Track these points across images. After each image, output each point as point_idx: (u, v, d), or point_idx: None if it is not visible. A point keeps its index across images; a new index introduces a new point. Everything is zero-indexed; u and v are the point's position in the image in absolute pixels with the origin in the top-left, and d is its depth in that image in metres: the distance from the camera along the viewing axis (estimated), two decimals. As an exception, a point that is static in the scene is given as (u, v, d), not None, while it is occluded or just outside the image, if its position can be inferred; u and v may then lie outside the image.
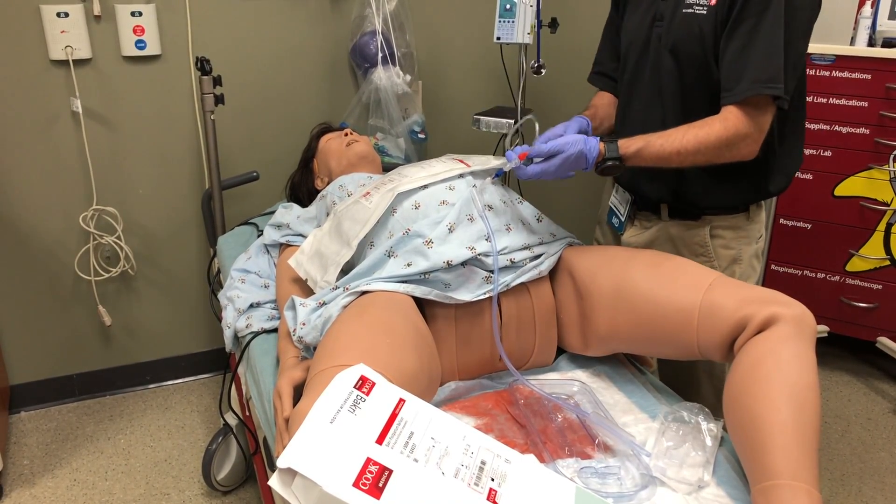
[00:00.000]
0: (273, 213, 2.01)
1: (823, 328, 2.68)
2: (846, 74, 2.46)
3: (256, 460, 1.85)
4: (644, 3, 1.59)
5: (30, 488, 2.13)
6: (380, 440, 0.94)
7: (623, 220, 1.74)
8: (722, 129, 1.40)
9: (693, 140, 1.41)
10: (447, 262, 1.40)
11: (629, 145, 1.45)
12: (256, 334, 1.67)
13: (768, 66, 1.37)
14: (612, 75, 1.78)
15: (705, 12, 1.45)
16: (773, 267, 2.72)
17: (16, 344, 2.43)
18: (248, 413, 1.86)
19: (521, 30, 2.29)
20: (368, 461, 0.90)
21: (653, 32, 1.56)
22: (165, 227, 2.50)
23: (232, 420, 2.02)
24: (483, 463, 0.99)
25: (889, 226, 2.49)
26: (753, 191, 1.60)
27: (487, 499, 0.94)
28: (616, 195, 1.77)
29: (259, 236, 1.99)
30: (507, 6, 2.29)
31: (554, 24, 2.37)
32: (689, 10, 1.47)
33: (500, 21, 2.32)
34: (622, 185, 1.75)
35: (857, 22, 2.49)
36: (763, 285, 1.42)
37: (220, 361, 2.67)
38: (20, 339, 2.43)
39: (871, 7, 2.49)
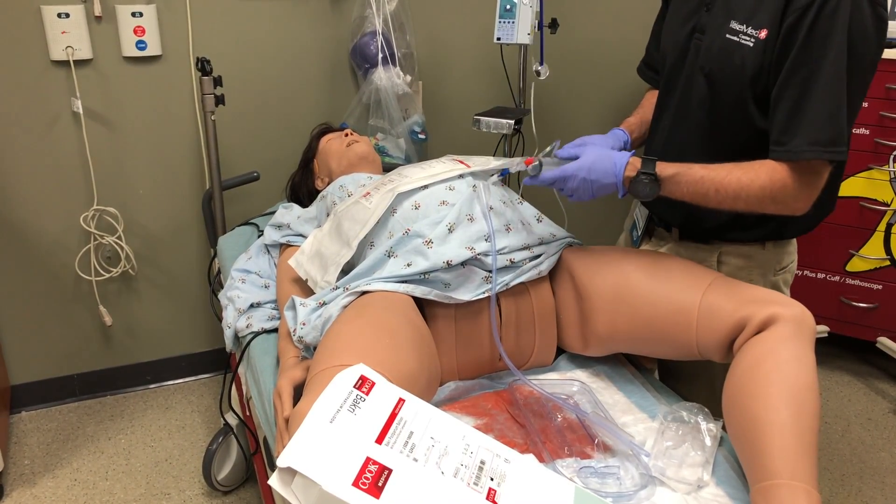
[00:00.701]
0: (273, 213, 2.01)
1: (824, 328, 2.68)
2: (846, 75, 2.46)
3: (257, 460, 1.85)
4: (687, 6, 1.47)
5: (30, 488, 2.14)
6: (379, 440, 0.94)
7: (640, 233, 1.73)
8: (767, 182, 1.28)
9: (735, 183, 1.29)
10: (447, 262, 1.40)
11: (667, 167, 1.34)
12: (257, 334, 1.67)
13: (829, 124, 1.23)
14: (657, 68, 1.66)
15: (751, 44, 1.31)
16: (773, 267, 2.72)
17: (17, 344, 2.43)
18: (248, 413, 1.86)
19: (521, 30, 2.30)
20: (368, 460, 0.91)
21: (691, 44, 1.44)
22: (166, 227, 2.50)
23: (232, 420, 2.03)
24: (482, 462, 0.99)
25: (889, 226, 2.49)
26: (763, 230, 1.50)
27: (487, 498, 0.94)
28: (639, 208, 1.74)
29: (259, 236, 1.99)
30: (508, 7, 2.29)
31: (554, 24, 2.38)
32: (734, 38, 1.33)
33: (500, 21, 2.32)
34: (646, 202, 1.69)
35: (857, 22, 2.49)
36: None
37: (220, 361, 2.67)
38: (21, 339, 2.44)
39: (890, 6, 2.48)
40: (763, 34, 1.30)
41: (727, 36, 1.35)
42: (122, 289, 2.51)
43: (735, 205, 1.31)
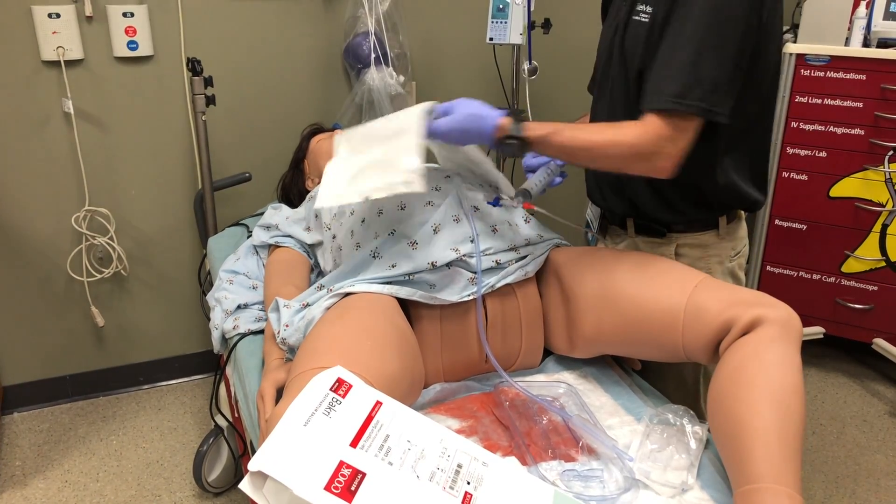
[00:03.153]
0: (263, 214, 2.00)
1: (819, 329, 2.67)
2: (841, 75, 2.45)
3: (245, 462, 1.84)
4: (614, 10, 1.51)
5: (21, 489, 2.13)
6: (354, 443, 0.94)
7: (595, 232, 1.72)
8: (633, 137, 1.28)
9: (602, 140, 1.31)
10: (432, 263, 1.39)
11: (537, 128, 1.32)
12: (243, 335, 1.66)
13: (682, 76, 1.25)
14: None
15: (647, 20, 1.35)
16: (768, 268, 2.71)
17: (8, 345, 2.43)
18: (237, 415, 1.85)
19: (513, 30, 2.29)
20: (341, 464, 0.90)
21: (615, 40, 1.47)
22: (158, 228, 2.49)
23: (222, 422, 2.02)
24: (459, 466, 0.98)
25: (884, 227, 2.48)
26: (697, 209, 1.49)
27: (462, 502, 0.93)
28: (591, 208, 1.75)
29: (249, 237, 1.99)
30: (500, 6, 2.29)
31: (547, 24, 2.37)
32: (637, 18, 1.38)
33: (492, 22, 2.32)
34: (591, 198, 1.70)
35: (851, 22, 2.48)
36: (758, 287, 1.40)
37: (213, 362, 2.67)
38: (13, 340, 2.43)
39: (866, 7, 2.47)
40: (650, 8, 1.34)
41: (633, 17, 1.39)
42: (115, 290, 2.51)
43: (606, 163, 1.34)
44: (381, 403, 1.02)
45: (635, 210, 1.55)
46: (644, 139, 1.28)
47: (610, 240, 1.69)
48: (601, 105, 1.56)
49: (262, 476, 0.87)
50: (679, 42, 1.27)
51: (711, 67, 1.25)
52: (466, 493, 0.94)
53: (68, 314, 2.47)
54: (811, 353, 2.83)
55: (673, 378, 1.61)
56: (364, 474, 0.89)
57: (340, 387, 1.01)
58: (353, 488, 0.87)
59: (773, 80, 1.43)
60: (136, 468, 2.23)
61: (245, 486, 0.88)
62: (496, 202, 1.50)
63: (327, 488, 0.86)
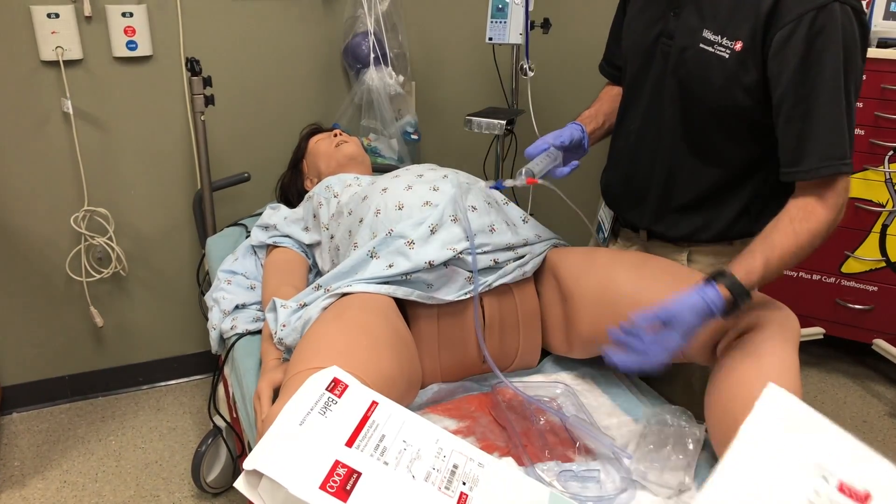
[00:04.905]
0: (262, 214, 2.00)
1: (819, 330, 2.66)
2: (841, 75, 2.44)
3: (243, 463, 1.84)
4: (651, 10, 1.45)
5: (20, 489, 2.13)
6: (350, 443, 0.93)
7: (607, 234, 1.71)
8: (826, 216, 1.24)
9: (789, 240, 1.24)
10: (429, 262, 1.39)
11: (747, 277, 1.21)
12: (241, 336, 1.66)
13: (836, 138, 1.22)
14: (620, 65, 1.63)
15: (727, 56, 1.29)
16: (768, 268, 2.70)
17: (7, 345, 2.43)
18: (235, 415, 1.85)
19: (513, 30, 2.29)
20: (337, 464, 0.89)
21: (657, 48, 1.42)
22: (157, 228, 2.49)
23: (221, 422, 2.02)
24: (455, 467, 0.98)
25: (884, 227, 2.47)
26: (731, 231, 1.47)
27: (458, 503, 0.93)
28: (604, 209, 1.74)
29: (247, 237, 1.98)
30: (500, 6, 2.29)
31: (546, 24, 2.37)
32: (710, 49, 1.31)
33: (492, 21, 2.32)
34: (606, 201, 1.69)
35: (852, 22, 2.47)
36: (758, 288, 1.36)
37: (212, 363, 2.66)
38: (12, 341, 2.43)
39: (866, 7, 2.47)
40: (738, 46, 1.28)
41: (701, 46, 1.33)
42: (114, 290, 2.50)
43: (798, 257, 1.25)
44: (376, 403, 1.01)
45: (656, 225, 1.53)
46: (833, 214, 1.24)
47: (621, 242, 1.68)
48: (634, 106, 1.52)
49: (257, 475, 0.87)
50: (817, 109, 1.22)
51: (845, 128, 1.23)
52: (462, 493, 0.94)
53: (67, 314, 2.47)
54: (811, 353, 2.82)
55: (681, 382, 1.60)
56: (359, 474, 0.89)
57: (336, 386, 1.01)
58: (348, 488, 0.87)
59: None
60: (134, 468, 2.22)
61: (240, 484, 0.88)
62: (499, 185, 1.45)
63: (322, 487, 0.85)
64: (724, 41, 1.29)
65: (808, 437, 0.96)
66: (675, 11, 1.38)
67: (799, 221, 1.24)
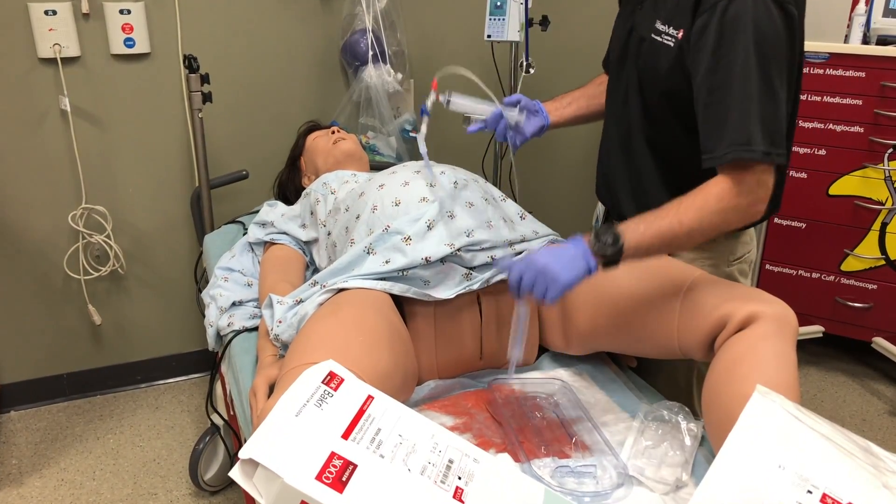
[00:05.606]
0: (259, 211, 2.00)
1: (818, 328, 2.66)
2: (840, 72, 2.44)
3: (240, 460, 1.83)
4: (629, 5, 1.49)
5: (17, 488, 2.13)
6: (346, 435, 0.93)
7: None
8: (717, 197, 1.23)
9: (692, 212, 1.23)
10: (425, 258, 1.38)
11: (628, 239, 1.22)
12: (238, 333, 1.66)
13: (742, 124, 1.22)
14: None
15: (672, 44, 1.33)
16: (767, 267, 2.70)
17: (5, 343, 2.42)
18: (232, 413, 1.85)
19: (511, 28, 2.29)
20: (333, 455, 0.89)
21: (630, 40, 1.46)
22: (155, 225, 2.49)
23: (218, 420, 2.01)
24: (451, 461, 0.97)
25: (884, 225, 2.47)
26: None
27: (454, 497, 0.92)
28: (599, 204, 1.74)
29: (245, 235, 1.98)
30: (498, 4, 2.28)
31: (545, 21, 2.36)
32: (659, 39, 1.35)
33: (490, 19, 2.31)
34: (599, 197, 1.69)
35: (851, 19, 2.47)
36: (757, 285, 1.36)
37: (210, 361, 2.64)
38: (10, 339, 2.43)
39: (866, 4, 2.47)
40: (681, 34, 1.31)
41: (653, 36, 1.37)
42: (112, 288, 2.50)
43: (703, 233, 1.25)
44: (372, 398, 1.01)
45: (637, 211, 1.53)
46: (746, 200, 1.24)
47: None
48: (613, 99, 1.55)
49: (252, 464, 0.87)
50: (727, 94, 1.23)
51: (757, 115, 1.22)
52: (458, 487, 0.94)
53: (65, 312, 2.47)
54: (810, 351, 2.82)
55: (665, 378, 1.59)
56: (355, 466, 0.89)
57: (332, 380, 1.01)
58: (344, 479, 0.86)
59: (795, 98, 1.38)
60: (132, 466, 2.22)
61: (235, 474, 0.88)
62: (423, 110, 1.55)
63: (318, 478, 0.85)
64: (671, 30, 1.33)
65: (792, 449, 0.97)
66: (641, 5, 1.43)
67: (693, 198, 1.23)
